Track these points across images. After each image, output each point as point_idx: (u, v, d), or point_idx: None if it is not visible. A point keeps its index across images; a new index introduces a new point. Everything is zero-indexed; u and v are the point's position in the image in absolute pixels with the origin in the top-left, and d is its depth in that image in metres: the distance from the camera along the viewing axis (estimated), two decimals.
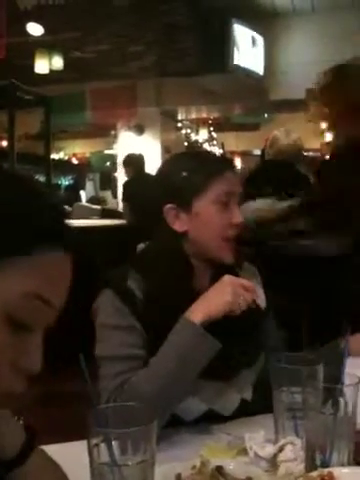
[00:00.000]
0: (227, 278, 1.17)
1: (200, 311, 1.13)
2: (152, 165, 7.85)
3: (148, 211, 1.35)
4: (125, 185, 5.48)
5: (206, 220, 1.24)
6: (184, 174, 1.25)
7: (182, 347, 1.11)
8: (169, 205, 1.25)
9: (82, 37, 6.37)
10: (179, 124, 9.19)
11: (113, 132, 8.81)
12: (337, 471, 0.88)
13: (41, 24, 5.79)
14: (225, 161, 1.38)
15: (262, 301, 1.36)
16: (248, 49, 7.10)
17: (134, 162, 5.50)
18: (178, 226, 1.25)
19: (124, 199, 5.35)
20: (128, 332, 1.17)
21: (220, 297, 1.13)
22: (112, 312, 1.19)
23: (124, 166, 5.56)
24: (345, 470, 0.90)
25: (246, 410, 1.24)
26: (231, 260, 1.27)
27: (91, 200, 8.59)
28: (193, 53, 6.61)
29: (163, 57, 6.88)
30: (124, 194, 5.39)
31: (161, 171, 1.35)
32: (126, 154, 5.84)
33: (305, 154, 4.64)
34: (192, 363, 1.11)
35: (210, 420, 1.21)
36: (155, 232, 1.31)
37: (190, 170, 1.25)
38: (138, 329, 1.18)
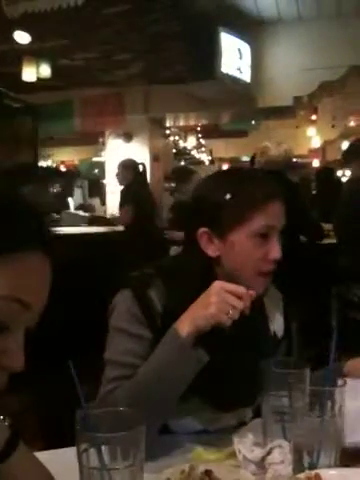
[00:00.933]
0: (216, 285, 1.09)
1: (186, 322, 1.08)
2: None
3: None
4: (126, 189, 5.44)
5: (241, 252, 1.16)
6: (222, 200, 1.16)
7: (163, 361, 1.08)
8: (203, 229, 1.18)
9: (70, 45, 6.37)
10: (167, 131, 9.22)
11: (101, 139, 8.82)
12: (324, 473, 0.90)
13: (28, 32, 5.79)
14: (271, 189, 1.19)
15: (279, 329, 1.32)
16: (235, 57, 7.15)
17: (132, 166, 5.50)
18: (211, 251, 1.19)
19: (124, 203, 5.29)
20: (136, 340, 1.15)
21: (205, 308, 1.06)
22: (126, 316, 1.17)
23: (123, 169, 5.50)
24: (332, 472, 0.91)
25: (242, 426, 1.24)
26: (262, 292, 1.20)
27: (79, 207, 8.56)
28: (180, 61, 6.64)
29: (151, 65, 6.90)
30: (125, 198, 5.33)
31: (198, 190, 1.27)
32: (124, 159, 5.81)
33: (294, 160, 4.69)
34: (172, 377, 1.08)
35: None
36: (187, 249, 1.25)
37: (230, 197, 1.16)
38: (147, 339, 1.15)
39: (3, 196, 0.60)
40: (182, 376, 1.08)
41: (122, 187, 5.53)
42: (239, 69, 7.22)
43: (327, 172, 6.49)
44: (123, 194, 5.41)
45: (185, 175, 5.48)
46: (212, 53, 6.76)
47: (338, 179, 6.77)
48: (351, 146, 3.88)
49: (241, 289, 1.08)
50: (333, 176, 6.34)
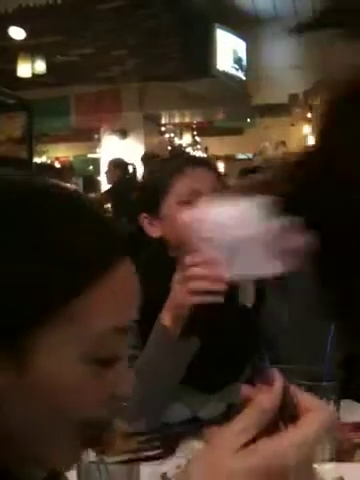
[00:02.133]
0: (188, 260, 1.02)
1: (167, 313, 1.07)
2: (136, 169, 7.87)
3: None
4: (110, 189, 5.43)
5: (173, 222, 1.17)
6: (151, 179, 1.27)
7: (154, 354, 1.09)
8: (143, 214, 1.25)
9: (65, 41, 6.36)
10: (162, 128, 9.21)
11: (96, 136, 8.80)
12: (319, 467, 0.90)
13: (23, 28, 5.77)
14: (188, 159, 1.30)
15: (250, 297, 1.31)
16: (231, 54, 7.16)
17: (122, 165, 5.46)
18: (153, 233, 1.24)
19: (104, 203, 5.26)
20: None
21: (174, 295, 1.04)
22: None
23: (113, 168, 5.47)
24: (327, 466, 0.92)
25: (233, 413, 1.24)
26: None
27: None
28: (176, 58, 6.64)
29: (146, 61, 6.90)
30: (106, 198, 5.31)
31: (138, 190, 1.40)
32: (113, 158, 5.80)
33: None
34: (164, 369, 1.09)
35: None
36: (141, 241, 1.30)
37: (154, 174, 1.27)
38: (132, 328, 1.16)
39: (70, 205, 0.52)
40: (174, 367, 1.10)
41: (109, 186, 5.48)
42: (234, 66, 7.22)
43: None
44: (105, 193, 5.36)
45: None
46: (207, 50, 6.77)
47: None
48: None
49: (210, 257, 0.99)
50: None
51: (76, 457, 0.54)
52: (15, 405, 0.48)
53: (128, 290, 0.53)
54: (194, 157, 1.28)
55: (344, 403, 1.04)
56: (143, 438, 0.60)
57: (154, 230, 1.24)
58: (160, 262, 1.24)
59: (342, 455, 1.01)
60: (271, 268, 0.97)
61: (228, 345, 1.16)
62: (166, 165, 1.28)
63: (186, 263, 1.01)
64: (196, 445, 1.07)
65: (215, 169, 1.26)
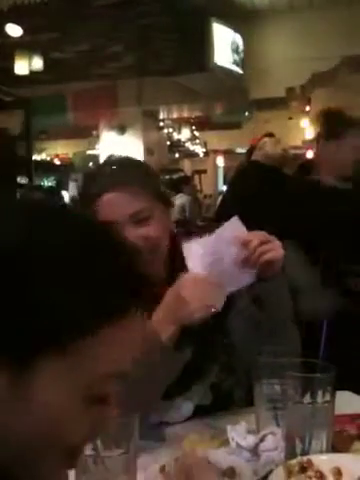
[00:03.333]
0: (188, 277, 1.05)
1: (167, 323, 1.04)
2: None
3: None
4: None
5: None
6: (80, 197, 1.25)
7: (148, 361, 1.04)
8: None
9: (61, 38, 6.34)
10: (161, 123, 9.20)
11: (95, 132, 8.80)
12: (316, 458, 0.91)
13: (19, 25, 5.75)
14: (103, 181, 1.18)
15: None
16: (228, 48, 7.13)
17: None
18: None
19: None
20: None
21: (185, 305, 1.02)
22: None
23: None
24: (323, 457, 0.93)
25: (206, 412, 1.23)
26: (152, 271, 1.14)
27: (73, 201, 8.55)
28: (172, 53, 6.63)
29: (143, 57, 6.88)
30: None
31: None
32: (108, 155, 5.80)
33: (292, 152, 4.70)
34: (157, 376, 1.07)
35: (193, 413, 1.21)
36: None
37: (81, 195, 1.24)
38: None
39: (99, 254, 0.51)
40: (167, 375, 1.09)
41: None
42: (232, 61, 7.20)
43: (309, 166, 6.50)
44: None
45: None
46: (204, 45, 6.75)
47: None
48: None
49: (212, 278, 1.05)
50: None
51: (56, 477, 0.55)
52: (8, 422, 0.49)
53: (135, 339, 0.54)
54: (104, 183, 1.18)
55: (340, 394, 1.04)
56: None
57: None
58: None
59: (339, 446, 1.02)
60: (244, 280, 1.10)
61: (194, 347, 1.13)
62: (85, 192, 1.21)
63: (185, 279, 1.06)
64: (194, 439, 1.09)
65: (137, 186, 1.17)
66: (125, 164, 1.26)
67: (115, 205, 1.15)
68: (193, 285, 1.04)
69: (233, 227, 1.12)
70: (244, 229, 1.12)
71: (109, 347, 0.51)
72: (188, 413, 1.22)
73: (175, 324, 1.04)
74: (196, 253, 1.08)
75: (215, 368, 1.23)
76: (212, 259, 1.08)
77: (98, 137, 8.50)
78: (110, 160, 1.29)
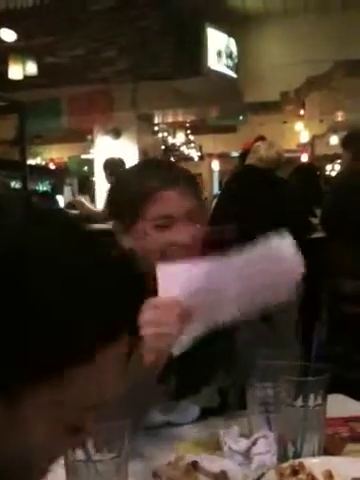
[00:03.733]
0: (142, 314, 0.93)
1: (147, 353, 0.98)
2: None
3: None
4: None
5: (145, 242, 1.15)
6: (122, 195, 1.21)
7: (131, 386, 1.03)
8: (115, 222, 1.22)
9: (55, 42, 6.35)
10: (156, 128, 9.21)
11: (90, 137, 8.80)
12: (308, 461, 0.92)
13: (13, 29, 5.75)
14: (163, 178, 1.18)
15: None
16: (222, 53, 7.16)
17: (116, 166, 5.42)
18: (124, 242, 1.19)
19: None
20: None
21: (146, 340, 0.94)
22: None
23: (104, 170, 5.49)
24: (315, 460, 0.93)
25: (212, 415, 1.23)
26: None
27: (69, 205, 8.54)
28: (167, 57, 6.64)
29: (137, 61, 6.89)
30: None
31: (111, 190, 1.33)
32: (106, 158, 5.79)
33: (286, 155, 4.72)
34: (141, 400, 1.03)
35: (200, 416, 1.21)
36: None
37: (127, 193, 1.19)
38: None
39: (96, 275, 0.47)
40: (150, 401, 1.08)
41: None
42: (226, 65, 7.23)
43: (307, 167, 6.53)
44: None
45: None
46: (198, 49, 6.77)
47: (320, 174, 6.80)
48: (345, 137, 3.88)
49: (166, 299, 0.95)
50: (314, 171, 6.39)
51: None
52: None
53: (118, 369, 0.51)
54: (165, 178, 1.18)
55: (332, 397, 1.05)
56: None
57: (125, 242, 1.19)
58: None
59: (331, 449, 1.02)
60: (230, 313, 0.98)
61: (201, 350, 1.11)
62: (134, 184, 1.19)
63: (143, 308, 0.92)
64: (187, 444, 1.09)
65: (189, 187, 1.19)
66: (174, 165, 1.31)
67: (175, 200, 1.16)
68: (153, 315, 0.94)
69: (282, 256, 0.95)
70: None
71: (101, 374, 0.48)
72: (194, 415, 1.22)
73: (150, 355, 0.97)
74: (177, 276, 0.96)
75: (222, 372, 1.22)
76: (202, 287, 0.95)
77: (93, 141, 8.50)
78: (153, 160, 1.34)
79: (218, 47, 7.07)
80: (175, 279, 0.95)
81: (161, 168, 1.24)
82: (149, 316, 0.92)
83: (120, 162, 5.52)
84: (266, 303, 1.00)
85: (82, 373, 0.46)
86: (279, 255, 0.97)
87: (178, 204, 1.16)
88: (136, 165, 1.46)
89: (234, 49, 7.32)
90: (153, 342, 0.93)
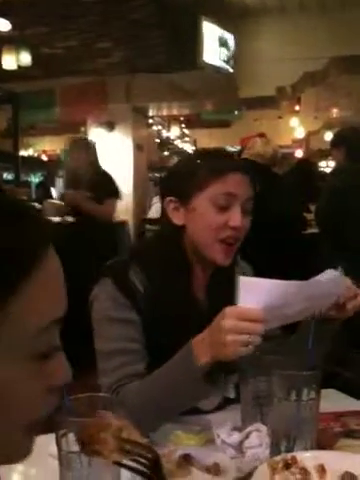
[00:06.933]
0: (225, 318, 0.99)
1: (206, 354, 1.02)
2: (124, 161, 7.84)
3: None
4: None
5: (202, 217, 1.21)
6: (188, 170, 1.24)
7: (174, 382, 1.07)
8: (170, 197, 1.24)
9: (50, 33, 6.30)
10: (150, 120, 9.18)
11: (83, 129, 8.75)
12: (300, 455, 0.91)
13: (8, 19, 5.70)
14: (232, 161, 1.27)
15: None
16: (218, 47, 7.14)
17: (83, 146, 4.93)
18: (177, 219, 1.23)
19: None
20: (125, 325, 1.17)
21: (223, 346, 0.99)
22: (111, 304, 1.18)
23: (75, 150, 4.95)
24: (308, 454, 0.93)
25: (227, 406, 1.25)
26: (225, 262, 1.22)
27: (62, 197, 8.50)
28: (162, 50, 6.61)
29: (132, 54, 6.86)
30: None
31: (170, 169, 1.40)
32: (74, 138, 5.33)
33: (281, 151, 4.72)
34: (179, 399, 1.08)
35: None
36: (159, 226, 1.32)
37: (195, 166, 1.24)
38: (136, 322, 1.17)
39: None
40: (191, 398, 1.09)
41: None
42: (222, 59, 7.21)
43: (307, 163, 6.55)
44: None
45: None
46: (194, 42, 6.75)
47: (316, 170, 6.82)
48: (337, 134, 3.89)
49: (255, 312, 0.99)
50: (312, 167, 6.41)
51: (26, 451, 0.54)
52: None
53: (58, 281, 0.53)
54: (235, 162, 1.28)
55: (325, 392, 1.05)
56: (141, 450, 0.60)
57: (178, 217, 1.23)
58: (169, 249, 1.24)
59: (323, 443, 1.02)
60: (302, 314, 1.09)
61: None
62: (206, 161, 1.24)
63: (227, 314, 1.00)
64: (181, 434, 1.08)
65: (251, 173, 1.26)
66: (236, 154, 1.41)
67: (243, 184, 1.22)
68: (227, 331, 0.98)
69: (335, 283, 1.11)
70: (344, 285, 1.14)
71: (35, 298, 0.50)
72: (217, 403, 1.24)
73: (211, 359, 1.02)
74: (258, 289, 1.00)
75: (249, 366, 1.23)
76: (276, 304, 1.01)
77: (86, 133, 8.46)
78: (221, 148, 1.40)
79: (214, 41, 7.05)
80: (255, 292, 1.00)
81: (231, 155, 1.32)
82: (232, 323, 0.98)
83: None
84: (308, 316, 1.11)
85: (12, 304, 0.48)
86: (335, 283, 1.11)
87: (243, 188, 1.22)
88: (202, 148, 1.53)
89: (231, 43, 7.30)
90: (231, 348, 0.98)
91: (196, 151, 1.43)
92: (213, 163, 1.22)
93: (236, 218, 1.20)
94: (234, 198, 1.20)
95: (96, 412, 0.60)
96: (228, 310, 0.99)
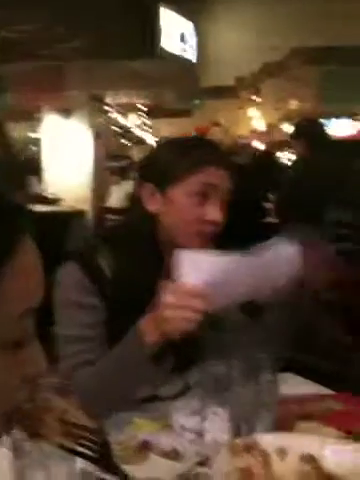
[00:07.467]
0: (164, 295, 0.99)
1: (153, 332, 1.02)
2: (81, 150, 7.71)
3: None
4: None
5: (178, 210, 1.18)
6: (167, 159, 1.21)
7: (124, 363, 1.06)
8: (147, 183, 1.21)
9: (6, 16, 6.11)
10: (108, 108, 9.05)
11: (37, 115, 8.55)
12: (260, 438, 0.91)
13: None
14: (213, 154, 1.24)
15: None
16: (177, 35, 7.10)
17: None
18: (152, 206, 1.20)
19: None
20: (87, 311, 1.14)
21: (162, 322, 0.99)
22: (75, 288, 1.15)
23: None
24: (268, 437, 0.93)
25: (188, 392, 1.22)
26: None
27: None
28: (121, 37, 6.52)
29: (90, 40, 6.74)
30: None
31: (152, 152, 1.36)
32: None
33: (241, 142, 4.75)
34: (130, 380, 1.07)
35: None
36: (131, 207, 1.28)
37: (175, 157, 1.21)
38: (98, 308, 1.14)
39: None
40: (142, 380, 1.08)
41: None
42: (181, 47, 7.18)
43: (267, 154, 6.63)
44: None
45: None
46: (152, 30, 6.69)
47: (277, 162, 6.91)
48: (298, 126, 3.92)
49: (195, 288, 0.98)
50: (272, 159, 6.49)
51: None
52: None
53: (34, 269, 0.53)
54: (216, 155, 1.24)
55: (284, 376, 1.05)
56: (87, 434, 0.58)
57: (153, 204, 1.20)
58: (141, 236, 1.21)
59: (283, 426, 1.02)
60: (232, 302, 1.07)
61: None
62: (187, 153, 1.21)
63: (166, 290, 0.99)
64: (139, 422, 1.06)
65: (231, 168, 1.23)
66: (218, 146, 1.33)
67: (223, 177, 1.20)
68: (174, 298, 0.98)
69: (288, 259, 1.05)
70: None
71: (12, 288, 0.49)
72: (177, 389, 1.21)
73: (158, 334, 1.01)
74: (199, 264, 0.98)
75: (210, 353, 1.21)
76: (219, 279, 0.98)
77: (40, 120, 8.28)
78: (203, 138, 1.36)
79: (175, 29, 7.00)
80: (196, 267, 0.97)
81: (213, 146, 1.28)
82: (171, 299, 0.97)
83: None
84: (262, 297, 1.10)
85: (4, 274, 0.48)
86: (286, 259, 1.06)
87: (223, 181, 1.20)
88: (185, 136, 1.49)
89: (191, 32, 7.27)
90: (172, 324, 0.97)
91: (176, 140, 1.39)
92: (194, 155, 1.20)
93: (215, 212, 1.18)
94: (213, 191, 1.18)
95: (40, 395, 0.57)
96: (168, 285, 0.99)
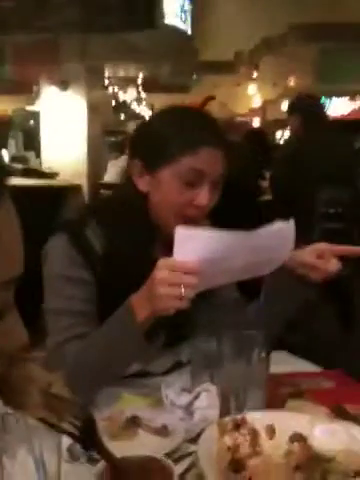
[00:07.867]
0: (157, 269, 0.96)
1: (144, 309, 0.99)
2: (78, 123, 7.63)
3: None
4: None
5: (166, 192, 1.13)
6: (159, 137, 1.14)
7: (114, 341, 1.04)
8: (137, 161, 1.16)
9: None
10: (106, 81, 8.93)
11: (35, 88, 8.43)
12: (250, 416, 0.90)
13: None
14: (206, 134, 1.14)
15: None
16: (177, 7, 6.97)
17: None
18: (141, 185, 1.15)
19: None
20: (77, 285, 1.11)
21: (155, 299, 0.96)
22: (63, 261, 1.12)
23: None
24: (257, 415, 0.92)
25: (178, 369, 1.22)
26: None
27: (13, 159, 8.23)
28: (119, 8, 6.40)
29: (87, 11, 6.61)
30: None
31: (143, 124, 1.26)
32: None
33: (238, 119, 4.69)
34: (119, 356, 1.06)
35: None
36: (122, 182, 1.23)
37: (166, 136, 1.13)
38: (88, 282, 1.12)
39: None
40: (132, 356, 1.07)
41: None
42: (181, 20, 7.06)
43: (260, 132, 6.57)
44: None
45: None
46: (152, 2, 6.56)
47: (269, 140, 6.85)
48: (294, 100, 3.85)
49: (187, 264, 0.95)
50: (265, 137, 6.42)
51: None
52: None
53: (14, 240, 0.50)
54: (209, 136, 1.14)
55: (275, 355, 1.04)
56: (71, 408, 0.57)
57: (142, 184, 1.15)
58: (133, 211, 1.17)
59: (273, 404, 1.01)
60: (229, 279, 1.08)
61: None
62: (179, 132, 1.13)
63: (159, 266, 0.96)
64: (128, 397, 1.06)
65: (226, 148, 1.16)
66: (219, 126, 1.21)
67: (215, 160, 1.13)
68: (159, 283, 0.95)
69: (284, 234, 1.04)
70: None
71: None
72: (168, 366, 1.21)
73: (148, 311, 0.99)
74: (195, 241, 0.95)
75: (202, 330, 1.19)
76: (216, 256, 0.96)
77: (38, 93, 8.17)
78: (197, 111, 1.25)
79: (173, 1, 6.87)
80: (192, 243, 0.95)
81: (209, 123, 1.19)
82: (164, 275, 0.94)
83: None
84: (258, 273, 1.09)
85: None
86: (283, 236, 1.05)
87: (215, 164, 1.13)
88: (180, 108, 1.29)
89: (190, 4, 7.14)
90: (163, 301, 0.95)
91: (171, 112, 1.25)
92: (185, 135, 1.12)
93: (203, 198, 1.12)
94: (204, 175, 1.12)
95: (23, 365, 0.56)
96: (161, 262, 0.96)
